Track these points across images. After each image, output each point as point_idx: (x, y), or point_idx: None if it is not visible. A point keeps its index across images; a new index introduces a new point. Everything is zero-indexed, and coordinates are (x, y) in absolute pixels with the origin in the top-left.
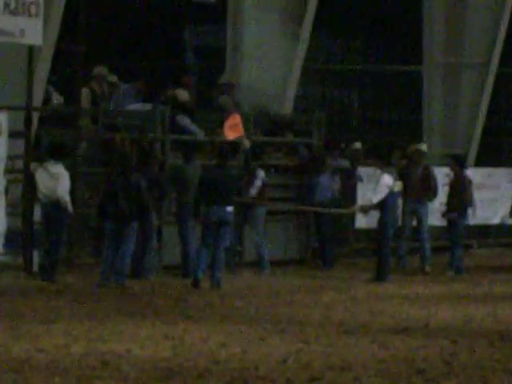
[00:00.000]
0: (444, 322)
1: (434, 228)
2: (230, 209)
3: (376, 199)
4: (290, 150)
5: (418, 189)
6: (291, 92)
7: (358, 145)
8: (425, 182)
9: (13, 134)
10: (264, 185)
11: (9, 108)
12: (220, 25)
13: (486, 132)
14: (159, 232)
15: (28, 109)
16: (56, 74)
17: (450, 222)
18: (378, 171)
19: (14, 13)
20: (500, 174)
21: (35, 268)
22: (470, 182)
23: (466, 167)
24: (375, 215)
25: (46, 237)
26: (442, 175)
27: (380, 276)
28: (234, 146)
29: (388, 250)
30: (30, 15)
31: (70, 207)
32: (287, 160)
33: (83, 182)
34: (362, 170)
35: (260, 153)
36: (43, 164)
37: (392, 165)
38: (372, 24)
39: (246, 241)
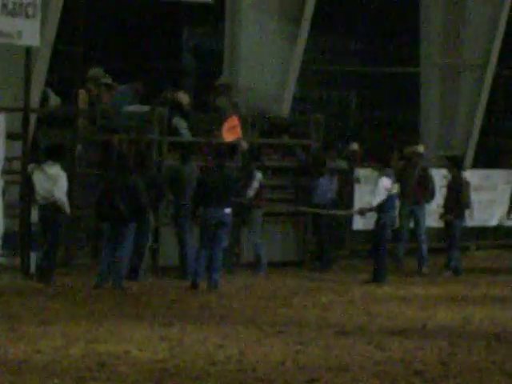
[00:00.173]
0: (441, 323)
1: (431, 229)
2: (227, 210)
3: (375, 202)
4: (286, 152)
5: (416, 190)
6: (289, 93)
7: (354, 146)
8: (422, 184)
9: (10, 136)
10: (261, 186)
11: (6, 109)
12: (217, 26)
13: (483, 133)
14: (156, 233)
15: (25, 110)
16: (54, 75)
17: (447, 223)
18: (376, 173)
19: (11, 14)
20: (497, 175)
21: (32, 269)
22: (467, 183)
23: (464, 169)
24: (372, 217)
25: (43, 238)
26: (440, 177)
27: (377, 277)
28: (232, 147)
29: (385, 251)
30: (27, 16)
31: (67, 208)
32: (285, 161)
33: (80, 183)
34: (360, 172)
35: (257, 154)
36: (40, 165)
37: (390, 166)
38: (370, 25)
39: (244, 242)
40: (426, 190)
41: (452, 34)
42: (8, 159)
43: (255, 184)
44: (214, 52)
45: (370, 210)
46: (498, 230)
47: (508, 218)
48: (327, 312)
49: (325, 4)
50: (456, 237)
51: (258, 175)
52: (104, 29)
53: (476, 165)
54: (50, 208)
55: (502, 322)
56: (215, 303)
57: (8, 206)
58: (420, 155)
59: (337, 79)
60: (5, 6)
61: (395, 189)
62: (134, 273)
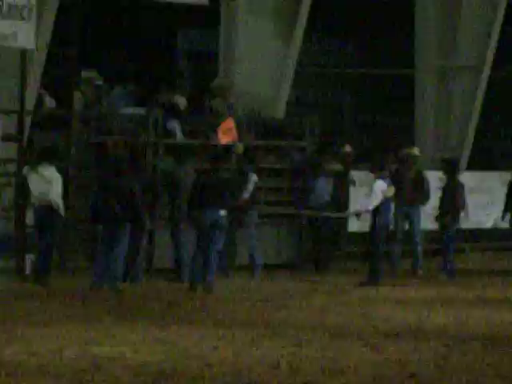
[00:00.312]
0: (436, 325)
1: (426, 232)
2: (222, 212)
3: (371, 206)
4: (281, 154)
5: (411, 192)
6: (284, 95)
7: (347, 148)
8: (417, 186)
9: (5, 138)
10: (257, 188)
11: (1, 111)
12: (213, 28)
13: (478, 136)
14: (151, 235)
15: (21, 112)
16: (49, 77)
17: (442, 225)
18: (371, 175)
19: (6, 16)
20: (492, 177)
21: (28, 271)
22: (462, 185)
23: (459, 171)
24: (368, 219)
25: (38, 240)
26: (434, 179)
27: (372, 280)
28: (227, 149)
29: (380, 253)
30: (22, 19)
31: (62, 210)
32: (280, 163)
33: (75, 185)
34: (355, 174)
35: (253, 156)
36: (36, 167)
37: (385, 169)
38: (364, 27)
39: (239, 244)
40: (420, 192)
41: (447, 36)
42: (3, 161)
43: (250, 186)
44: (209, 54)
45: (366, 212)
46: (493, 233)
47: (502, 220)
48: (322, 314)
49: (320, 7)
50: (451, 239)
51: (254, 177)
52: (99, 31)
53: (471, 167)
54: (46, 210)
55: (497, 324)
56: (210, 305)
57: (3, 209)
58: (415, 157)
59: (332, 81)
60: (0, 8)
61: (391, 192)
62: (128, 275)
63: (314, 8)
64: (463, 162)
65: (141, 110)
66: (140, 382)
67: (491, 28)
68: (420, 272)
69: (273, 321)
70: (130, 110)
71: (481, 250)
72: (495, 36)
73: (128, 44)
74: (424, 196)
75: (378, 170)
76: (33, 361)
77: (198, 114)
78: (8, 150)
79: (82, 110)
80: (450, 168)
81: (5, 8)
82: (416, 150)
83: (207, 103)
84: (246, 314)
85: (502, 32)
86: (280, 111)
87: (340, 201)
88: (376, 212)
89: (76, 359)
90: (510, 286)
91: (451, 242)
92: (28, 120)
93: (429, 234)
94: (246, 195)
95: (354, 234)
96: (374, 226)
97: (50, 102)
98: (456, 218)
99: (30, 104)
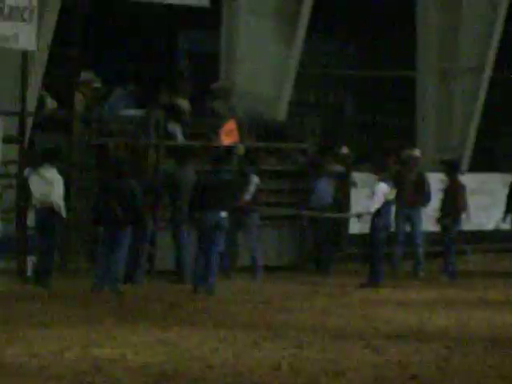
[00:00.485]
0: (438, 327)
1: (427, 233)
2: (224, 214)
3: (373, 208)
4: (282, 156)
5: (412, 194)
6: (286, 96)
7: (344, 149)
8: (418, 188)
9: (6, 139)
10: (258, 190)
11: (3, 113)
12: (214, 30)
13: (479, 137)
14: (153, 237)
15: (22, 114)
16: (50, 78)
17: (443, 227)
18: (373, 177)
19: (7, 18)
20: (494, 179)
21: (29, 273)
22: (463, 187)
23: (460, 173)
24: (368, 221)
25: (39, 242)
26: (436, 181)
27: (373, 281)
28: (229, 151)
29: (381, 255)
30: (23, 20)
31: (63, 212)
32: (281, 165)
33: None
34: (356, 176)
35: (254, 158)
36: (37, 169)
37: (386, 171)
38: (366, 29)
39: (240, 246)
40: (421, 194)
41: (448, 37)
42: (4, 163)
43: (252, 188)
44: (210, 55)
45: (368, 214)
46: (495, 234)
47: (503, 222)
48: (323, 316)
49: (321, 8)
50: (452, 241)
51: (255, 179)
52: (100, 32)
53: (472, 168)
54: (47, 212)
55: (498, 325)
56: (212, 307)
57: (4, 210)
58: (416, 159)
59: (333, 83)
60: (1, 10)
61: (392, 194)
62: (130, 276)
63: (315, 9)
64: (465, 164)
65: (141, 112)
66: None
67: (492, 29)
68: (421, 274)
69: (274, 322)
70: (130, 112)
71: (482, 251)
72: (496, 37)
73: (129, 45)
74: (425, 198)
75: (381, 172)
76: (34, 362)
77: (199, 116)
78: (9, 152)
79: (83, 111)
80: (451, 169)
81: (6, 10)
82: (417, 152)
83: (209, 105)
84: (248, 316)
85: (504, 33)
86: (282, 112)
87: (341, 202)
88: (377, 214)
89: (77, 361)
90: (511, 287)
91: (452, 243)
92: (29, 121)
93: (430, 236)
94: (248, 197)
95: (354, 235)
96: (373, 227)
97: (51, 104)
98: (457, 220)
99: (31, 105)
